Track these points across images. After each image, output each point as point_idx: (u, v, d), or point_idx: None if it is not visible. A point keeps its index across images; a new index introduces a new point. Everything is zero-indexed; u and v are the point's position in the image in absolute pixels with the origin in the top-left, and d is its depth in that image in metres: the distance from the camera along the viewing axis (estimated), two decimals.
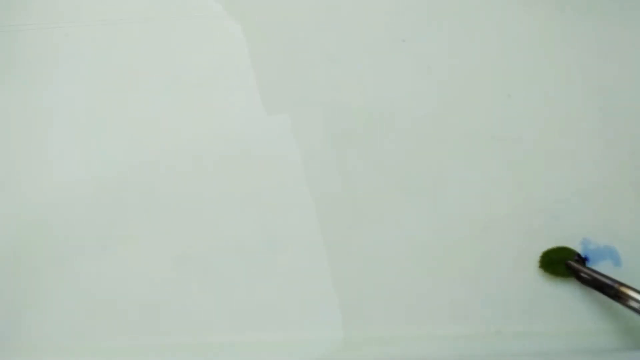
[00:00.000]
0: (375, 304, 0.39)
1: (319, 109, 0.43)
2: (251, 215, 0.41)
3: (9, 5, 0.46)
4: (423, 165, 0.42)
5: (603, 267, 0.38)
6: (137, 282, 0.39)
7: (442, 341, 0.38)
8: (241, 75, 0.44)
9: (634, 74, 0.43)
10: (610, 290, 0.35)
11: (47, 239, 0.40)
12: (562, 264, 0.38)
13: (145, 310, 0.39)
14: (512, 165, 0.41)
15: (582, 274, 0.37)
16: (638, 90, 0.43)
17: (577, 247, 0.39)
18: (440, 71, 0.44)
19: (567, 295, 0.38)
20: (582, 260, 0.39)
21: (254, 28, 0.45)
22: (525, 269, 0.39)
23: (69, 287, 0.40)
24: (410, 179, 0.41)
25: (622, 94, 0.43)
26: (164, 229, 0.40)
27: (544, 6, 0.45)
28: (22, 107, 0.44)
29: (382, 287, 0.39)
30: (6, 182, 0.42)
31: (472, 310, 0.39)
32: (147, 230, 0.40)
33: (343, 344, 0.38)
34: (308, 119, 0.43)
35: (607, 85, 0.43)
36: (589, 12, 0.44)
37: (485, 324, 0.38)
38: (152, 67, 0.44)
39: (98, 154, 0.42)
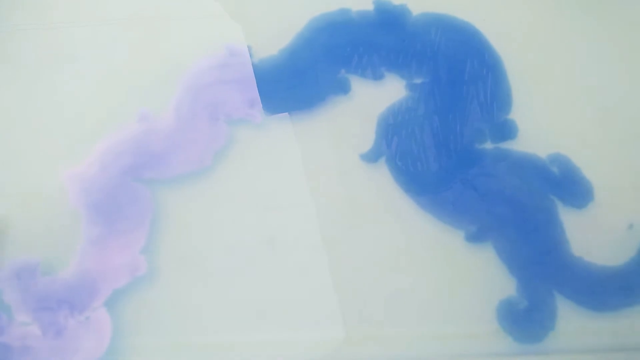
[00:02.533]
0: (376, 303, 0.40)
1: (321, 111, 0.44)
2: (251, 214, 0.41)
3: (10, 4, 0.46)
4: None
5: None
6: (139, 282, 0.41)
7: (442, 341, 0.39)
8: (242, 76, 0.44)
9: None
10: None
11: (38, 231, 0.41)
12: None
13: (145, 310, 0.40)
14: None
15: None
16: None
17: None
18: None
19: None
20: None
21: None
22: None
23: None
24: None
25: None
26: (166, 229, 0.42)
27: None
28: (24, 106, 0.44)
29: (382, 287, 0.40)
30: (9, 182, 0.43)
31: (471, 310, 0.39)
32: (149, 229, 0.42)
33: (343, 344, 0.39)
34: (309, 119, 0.43)
35: None
36: None
37: (485, 324, 0.39)
38: (153, 66, 0.44)
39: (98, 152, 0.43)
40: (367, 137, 0.43)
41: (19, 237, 0.41)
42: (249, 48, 0.44)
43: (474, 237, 0.40)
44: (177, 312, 0.40)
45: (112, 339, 0.39)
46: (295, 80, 0.44)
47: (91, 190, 0.42)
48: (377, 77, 0.44)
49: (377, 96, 0.44)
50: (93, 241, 0.41)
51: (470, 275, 0.40)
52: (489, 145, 0.43)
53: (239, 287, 0.40)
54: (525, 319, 0.39)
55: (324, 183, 0.42)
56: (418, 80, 0.44)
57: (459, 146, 0.43)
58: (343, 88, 0.44)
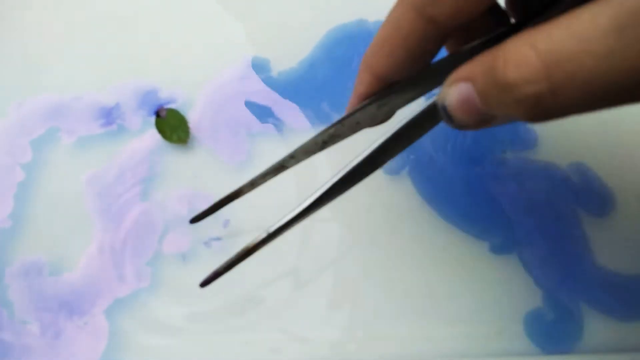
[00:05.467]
0: (376, 303, 0.40)
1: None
2: (252, 214, 0.42)
3: None
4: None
5: None
6: (141, 293, 0.40)
7: (442, 341, 0.39)
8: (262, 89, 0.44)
9: None
10: None
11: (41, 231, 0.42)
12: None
13: (144, 322, 0.40)
14: None
15: None
16: None
17: None
18: None
19: None
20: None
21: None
22: None
23: None
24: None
25: None
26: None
27: None
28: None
29: (382, 287, 0.40)
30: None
31: (499, 322, 0.39)
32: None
33: (343, 344, 0.39)
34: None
35: None
36: None
37: (485, 324, 0.39)
38: (173, 79, 0.45)
39: (118, 159, 0.43)
40: None
41: (33, 235, 0.41)
42: (268, 61, 0.44)
43: (499, 248, 0.40)
44: (176, 327, 0.40)
45: (107, 347, 0.39)
46: (315, 92, 0.43)
47: (106, 196, 0.42)
48: None
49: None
50: (102, 247, 0.41)
51: (496, 287, 0.40)
52: (509, 155, 0.43)
53: (238, 286, 0.40)
54: (553, 330, 0.39)
55: (345, 197, 0.41)
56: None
57: (480, 156, 0.42)
58: None
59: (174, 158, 0.42)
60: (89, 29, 0.46)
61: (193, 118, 0.43)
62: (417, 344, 0.39)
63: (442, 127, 0.43)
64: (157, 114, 0.42)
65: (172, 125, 0.42)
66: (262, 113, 0.43)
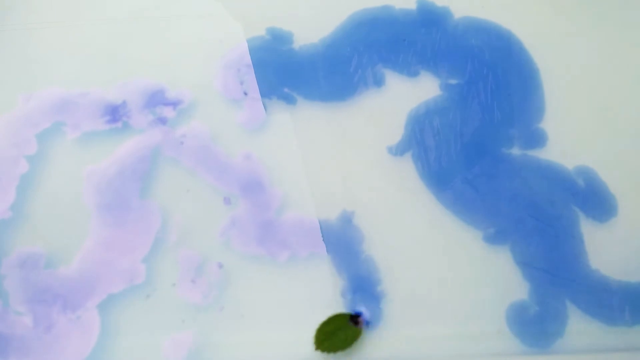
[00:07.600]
0: (376, 304, 0.40)
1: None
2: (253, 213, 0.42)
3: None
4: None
5: None
6: (134, 290, 0.41)
7: (442, 341, 0.39)
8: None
9: None
10: None
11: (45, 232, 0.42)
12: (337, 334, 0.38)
13: (136, 318, 0.40)
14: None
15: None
16: None
17: None
18: None
19: None
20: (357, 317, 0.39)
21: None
22: None
23: None
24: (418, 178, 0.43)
25: None
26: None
27: None
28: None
29: (382, 287, 0.40)
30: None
31: (481, 310, 0.40)
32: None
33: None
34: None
35: None
36: None
37: (494, 324, 0.39)
38: (153, 64, 0.46)
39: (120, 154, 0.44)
40: (396, 131, 0.44)
41: (32, 227, 0.41)
42: (291, 34, 0.46)
43: (492, 239, 0.41)
44: (168, 324, 0.40)
45: (97, 342, 0.39)
46: (332, 69, 0.45)
47: (106, 191, 0.42)
48: (412, 73, 0.45)
49: (411, 92, 0.44)
50: (98, 242, 0.41)
51: (483, 275, 0.40)
52: (516, 151, 0.43)
53: (239, 286, 0.40)
54: (535, 323, 0.39)
55: (349, 171, 0.43)
56: (452, 81, 0.45)
57: (486, 149, 0.43)
58: (378, 81, 0.45)
59: (174, 155, 0.43)
60: (99, 26, 0.47)
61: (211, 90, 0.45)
62: (393, 327, 0.39)
63: (451, 116, 0.44)
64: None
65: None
66: (278, 84, 0.45)
